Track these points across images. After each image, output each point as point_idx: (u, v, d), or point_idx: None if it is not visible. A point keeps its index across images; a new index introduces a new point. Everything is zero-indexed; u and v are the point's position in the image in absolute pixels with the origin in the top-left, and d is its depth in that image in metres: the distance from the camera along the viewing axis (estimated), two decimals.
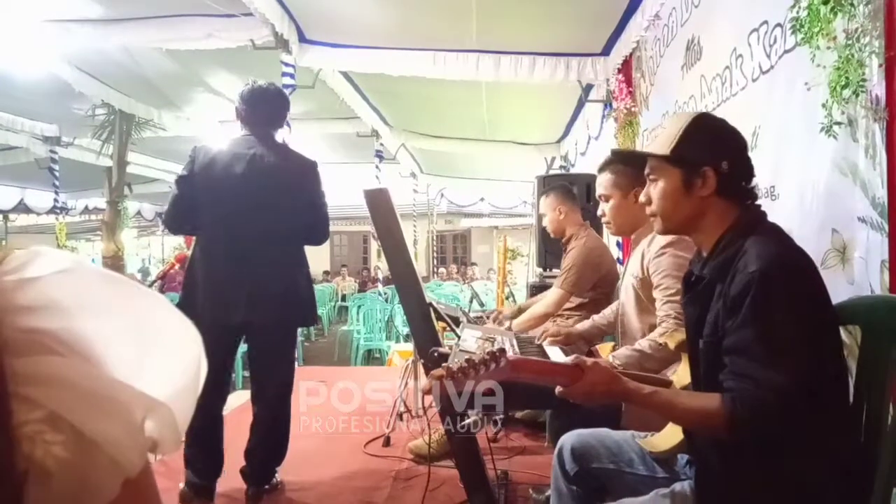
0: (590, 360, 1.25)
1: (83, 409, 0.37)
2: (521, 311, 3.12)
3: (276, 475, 2.67)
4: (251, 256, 2.39)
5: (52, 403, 0.37)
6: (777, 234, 1.27)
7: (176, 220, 2.51)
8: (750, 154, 1.37)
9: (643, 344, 1.92)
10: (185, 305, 2.47)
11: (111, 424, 0.38)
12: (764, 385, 1.10)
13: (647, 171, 1.40)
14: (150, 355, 0.44)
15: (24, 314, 0.38)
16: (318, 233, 2.59)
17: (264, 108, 2.51)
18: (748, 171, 1.34)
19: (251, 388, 2.60)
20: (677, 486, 1.35)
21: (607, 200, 2.22)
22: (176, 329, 0.47)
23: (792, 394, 1.09)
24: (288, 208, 2.45)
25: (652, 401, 1.23)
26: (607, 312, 2.47)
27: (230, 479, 2.56)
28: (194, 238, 2.56)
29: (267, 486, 2.60)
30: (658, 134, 1.39)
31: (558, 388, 1.23)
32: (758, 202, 1.34)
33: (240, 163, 2.40)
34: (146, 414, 0.41)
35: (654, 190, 1.37)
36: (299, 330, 3.64)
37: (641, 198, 1.43)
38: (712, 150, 1.31)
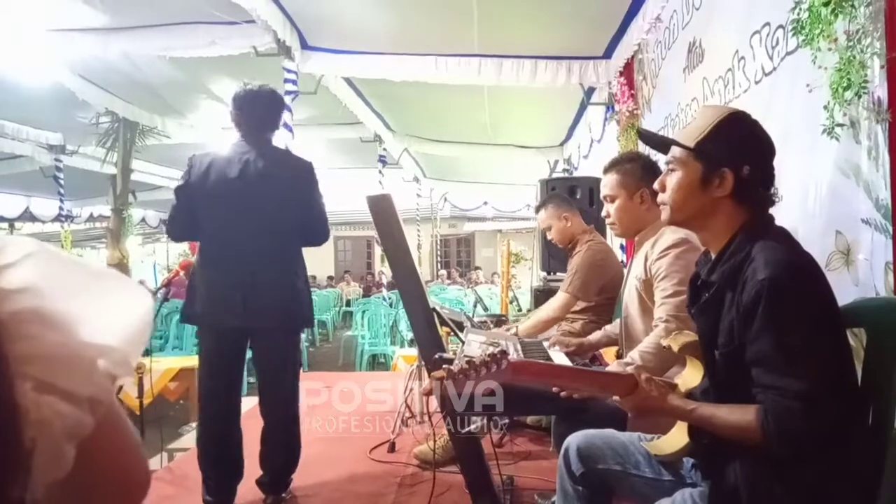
0: (644, 374, 1.31)
1: (61, 372, 0.44)
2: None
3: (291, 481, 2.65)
4: (249, 260, 2.40)
5: (39, 374, 0.42)
6: (784, 238, 1.26)
7: (177, 228, 2.54)
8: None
9: (645, 347, 1.92)
10: (187, 310, 2.51)
11: (81, 376, 0.45)
12: (787, 394, 1.10)
13: (667, 158, 1.38)
14: (105, 311, 0.52)
15: (9, 298, 0.43)
16: (317, 233, 2.58)
17: (256, 111, 2.50)
18: (769, 179, 1.31)
19: (259, 394, 2.59)
20: (677, 497, 1.33)
21: (613, 201, 2.20)
22: (125, 289, 0.57)
23: (815, 398, 1.08)
24: (284, 211, 2.46)
25: (693, 416, 1.26)
26: (618, 322, 2.46)
27: (246, 491, 2.53)
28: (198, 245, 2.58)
29: (284, 495, 2.58)
30: (689, 123, 1.35)
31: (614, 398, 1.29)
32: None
33: (234, 168, 2.41)
34: (104, 356, 0.49)
35: (671, 179, 1.35)
36: (303, 335, 3.63)
37: (655, 185, 1.41)
38: (737, 153, 1.28)
